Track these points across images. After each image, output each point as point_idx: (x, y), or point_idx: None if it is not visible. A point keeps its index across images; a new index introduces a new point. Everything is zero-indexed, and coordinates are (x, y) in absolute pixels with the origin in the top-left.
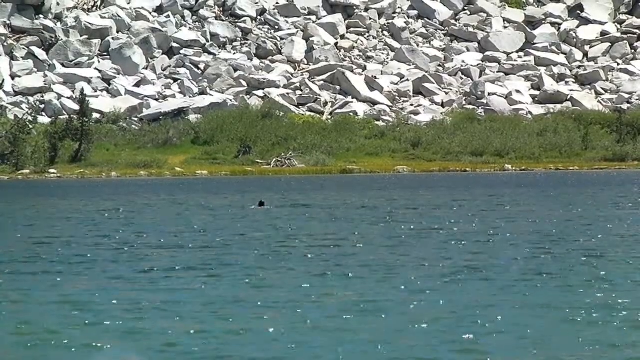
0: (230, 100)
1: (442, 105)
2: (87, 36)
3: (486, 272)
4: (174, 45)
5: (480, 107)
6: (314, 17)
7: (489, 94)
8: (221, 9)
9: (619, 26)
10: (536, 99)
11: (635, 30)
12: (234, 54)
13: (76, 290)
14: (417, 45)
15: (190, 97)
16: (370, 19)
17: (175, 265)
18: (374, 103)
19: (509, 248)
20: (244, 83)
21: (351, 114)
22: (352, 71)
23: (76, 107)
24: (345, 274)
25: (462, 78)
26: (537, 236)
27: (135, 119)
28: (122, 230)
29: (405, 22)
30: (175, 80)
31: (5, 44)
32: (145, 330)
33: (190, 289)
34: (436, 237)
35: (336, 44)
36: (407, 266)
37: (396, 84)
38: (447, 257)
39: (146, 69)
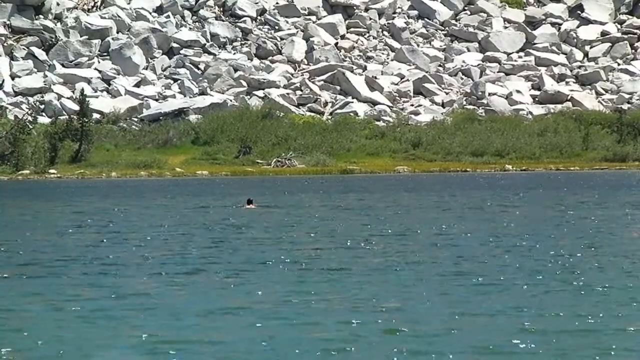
0: (231, 101)
1: (443, 105)
2: (87, 36)
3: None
4: (174, 45)
5: (480, 107)
6: (314, 17)
7: (489, 94)
8: (221, 9)
9: (619, 26)
10: (536, 99)
11: (635, 30)
12: (234, 54)
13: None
14: (418, 46)
15: (190, 97)
16: (371, 19)
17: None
18: (374, 103)
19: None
20: (244, 83)
21: (351, 114)
22: (352, 71)
23: (76, 107)
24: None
25: (462, 78)
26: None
27: (135, 120)
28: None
29: (405, 22)
30: (175, 80)
31: (5, 44)
32: (124, 335)
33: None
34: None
35: (336, 44)
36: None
37: (396, 84)
38: (433, 260)
39: (146, 69)
